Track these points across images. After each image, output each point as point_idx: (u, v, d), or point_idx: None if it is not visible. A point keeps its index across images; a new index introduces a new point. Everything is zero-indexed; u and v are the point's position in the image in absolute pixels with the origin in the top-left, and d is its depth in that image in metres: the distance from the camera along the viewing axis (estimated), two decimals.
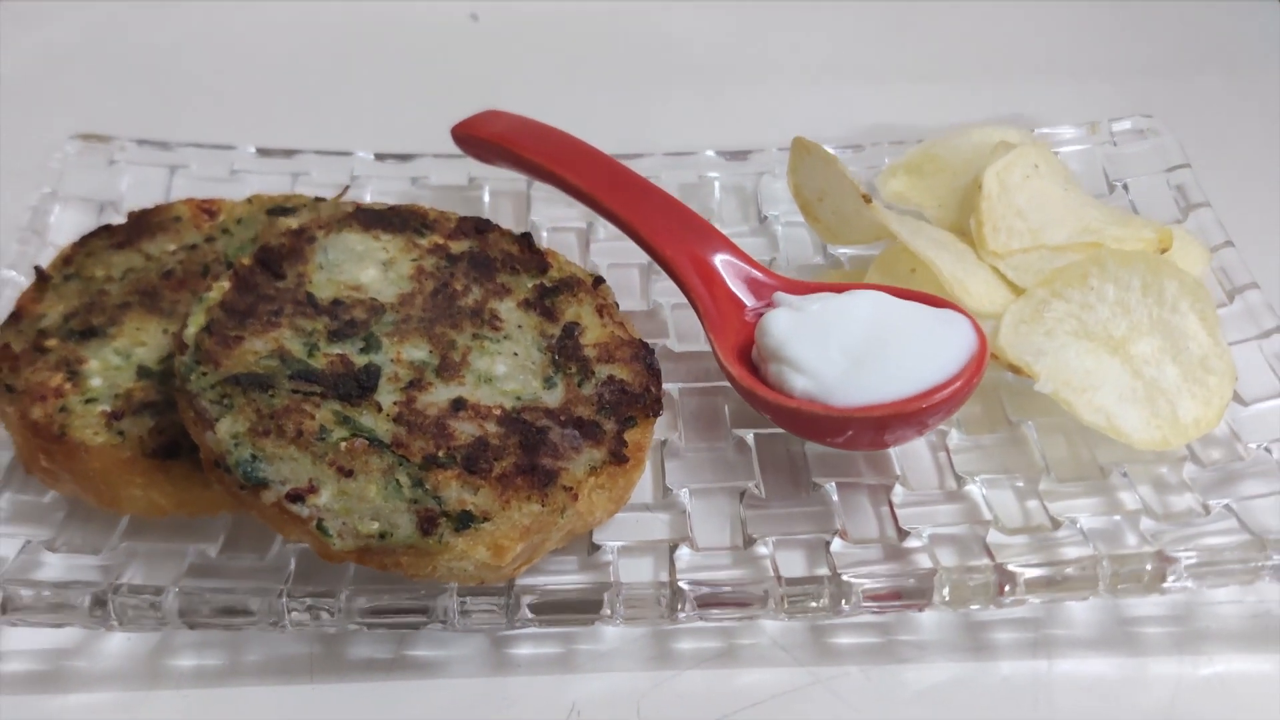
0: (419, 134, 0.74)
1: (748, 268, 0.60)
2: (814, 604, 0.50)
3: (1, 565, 0.52)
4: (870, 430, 0.53)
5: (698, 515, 0.56)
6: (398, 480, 0.49)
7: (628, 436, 0.53)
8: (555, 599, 0.50)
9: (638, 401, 0.54)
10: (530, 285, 0.59)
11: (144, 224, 0.64)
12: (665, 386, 0.58)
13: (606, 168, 0.65)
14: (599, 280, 0.60)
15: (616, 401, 0.54)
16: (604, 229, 0.69)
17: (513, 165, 0.68)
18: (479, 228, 0.61)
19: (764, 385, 0.55)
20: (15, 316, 0.59)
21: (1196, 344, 0.57)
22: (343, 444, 0.49)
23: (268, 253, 0.56)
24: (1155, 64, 0.89)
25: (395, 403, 0.52)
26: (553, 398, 0.54)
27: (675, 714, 0.50)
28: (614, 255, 0.69)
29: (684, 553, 0.54)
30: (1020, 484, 0.57)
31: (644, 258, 0.63)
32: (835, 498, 0.56)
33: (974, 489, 0.57)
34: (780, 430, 0.58)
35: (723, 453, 0.59)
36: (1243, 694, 0.51)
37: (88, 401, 0.54)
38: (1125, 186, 0.71)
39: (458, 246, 0.60)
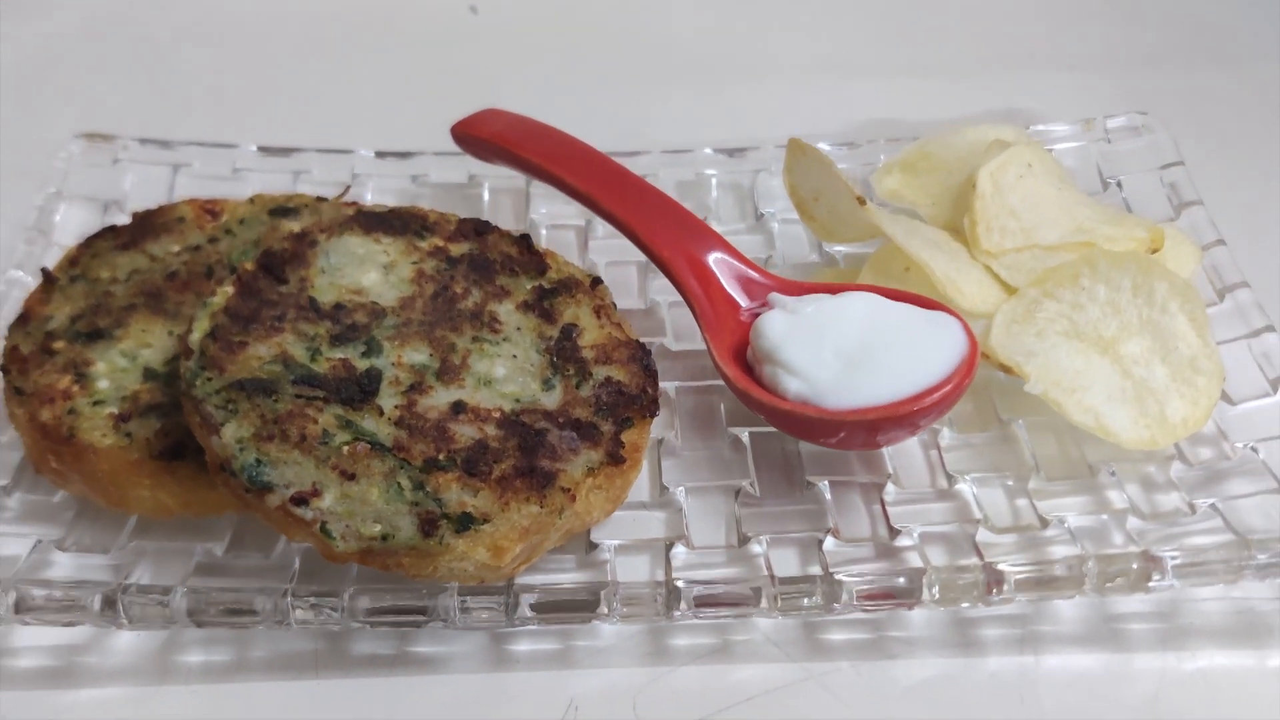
0: (419, 131, 0.75)
1: (743, 268, 0.61)
2: (806, 602, 0.51)
3: (13, 565, 0.54)
4: (863, 432, 0.54)
5: (693, 513, 0.57)
6: (399, 483, 0.50)
7: (625, 437, 0.54)
8: (554, 598, 0.52)
9: (635, 402, 0.55)
10: (529, 287, 0.60)
11: (148, 225, 0.65)
12: (662, 385, 0.59)
13: (604, 168, 0.66)
14: (597, 281, 0.61)
15: (614, 403, 0.55)
16: (603, 226, 0.69)
17: (511, 164, 0.69)
18: (478, 229, 0.62)
19: (758, 387, 0.56)
20: (23, 319, 0.60)
21: (1186, 345, 0.58)
22: (345, 448, 0.50)
23: (270, 257, 0.57)
24: (1151, 57, 0.90)
25: (396, 406, 0.53)
26: (551, 399, 0.55)
27: (671, 709, 0.52)
28: (612, 253, 0.70)
29: (680, 551, 0.55)
30: (1010, 482, 0.58)
31: (642, 255, 0.63)
32: (828, 496, 0.58)
33: (965, 487, 0.58)
34: (775, 429, 0.59)
35: (718, 451, 0.60)
36: (1226, 689, 0.52)
37: (95, 404, 0.55)
38: (1119, 184, 0.72)
39: (457, 249, 0.61)
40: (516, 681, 0.53)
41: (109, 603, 0.50)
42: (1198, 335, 0.58)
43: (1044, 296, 0.60)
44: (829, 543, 0.55)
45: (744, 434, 0.60)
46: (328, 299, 0.57)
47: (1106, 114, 0.75)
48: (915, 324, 0.55)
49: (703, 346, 0.60)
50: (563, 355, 0.57)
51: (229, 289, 0.55)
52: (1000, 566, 0.52)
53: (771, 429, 0.59)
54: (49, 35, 0.91)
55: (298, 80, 0.88)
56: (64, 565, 0.55)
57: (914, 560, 0.55)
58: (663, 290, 0.66)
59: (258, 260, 0.57)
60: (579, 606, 0.52)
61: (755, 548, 0.55)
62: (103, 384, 0.56)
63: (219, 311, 0.54)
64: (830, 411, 0.53)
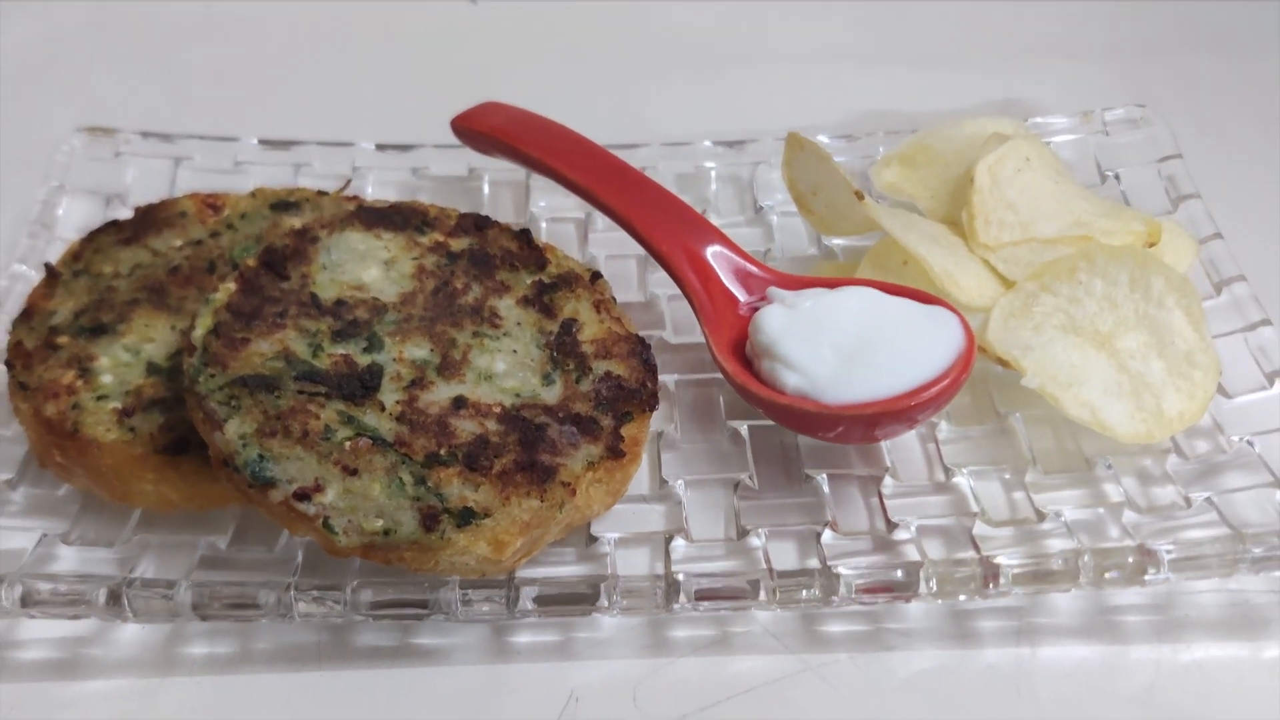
0: (419, 124, 0.75)
1: (742, 262, 0.62)
2: (805, 595, 0.52)
3: (19, 559, 0.54)
4: (861, 426, 0.54)
5: (693, 506, 0.58)
6: (401, 478, 0.50)
7: (624, 431, 0.54)
8: (555, 591, 0.52)
9: (634, 397, 0.56)
10: (529, 282, 0.60)
11: (150, 219, 0.65)
12: (662, 378, 0.59)
13: (603, 162, 0.66)
14: (596, 275, 0.61)
15: (613, 397, 0.55)
16: (602, 219, 0.70)
17: (510, 158, 0.69)
18: (479, 224, 0.62)
19: (757, 381, 0.56)
20: (27, 314, 0.60)
21: (1182, 339, 0.58)
22: (347, 443, 0.51)
23: (272, 254, 0.57)
24: (1150, 47, 0.90)
25: (398, 401, 0.53)
26: (551, 394, 0.55)
27: (670, 700, 0.52)
28: (612, 246, 0.70)
29: (679, 544, 0.56)
30: (1007, 476, 0.59)
31: (642, 248, 0.64)
32: (826, 489, 0.58)
33: (962, 480, 0.58)
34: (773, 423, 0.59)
35: (717, 444, 0.61)
36: (1220, 681, 0.53)
37: (99, 398, 0.56)
38: (1117, 177, 0.72)
39: (458, 244, 0.61)
40: (517, 673, 0.53)
41: (114, 597, 0.51)
42: (1194, 330, 0.59)
43: (1041, 290, 0.60)
44: (827, 536, 0.56)
45: (743, 427, 0.61)
46: (329, 295, 0.57)
47: (1105, 106, 0.75)
48: (913, 319, 0.56)
49: (702, 339, 0.60)
50: (563, 350, 0.57)
51: (231, 285, 0.56)
52: (997, 560, 0.52)
53: (770, 422, 0.60)
54: (50, 29, 0.91)
55: (298, 73, 0.88)
56: (69, 559, 0.55)
57: (911, 553, 0.55)
58: (662, 283, 0.66)
59: (259, 257, 0.57)
60: (579, 599, 0.52)
61: (754, 540, 0.56)
62: (106, 379, 0.57)
63: (221, 308, 0.55)
64: (828, 406, 0.53)
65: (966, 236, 0.64)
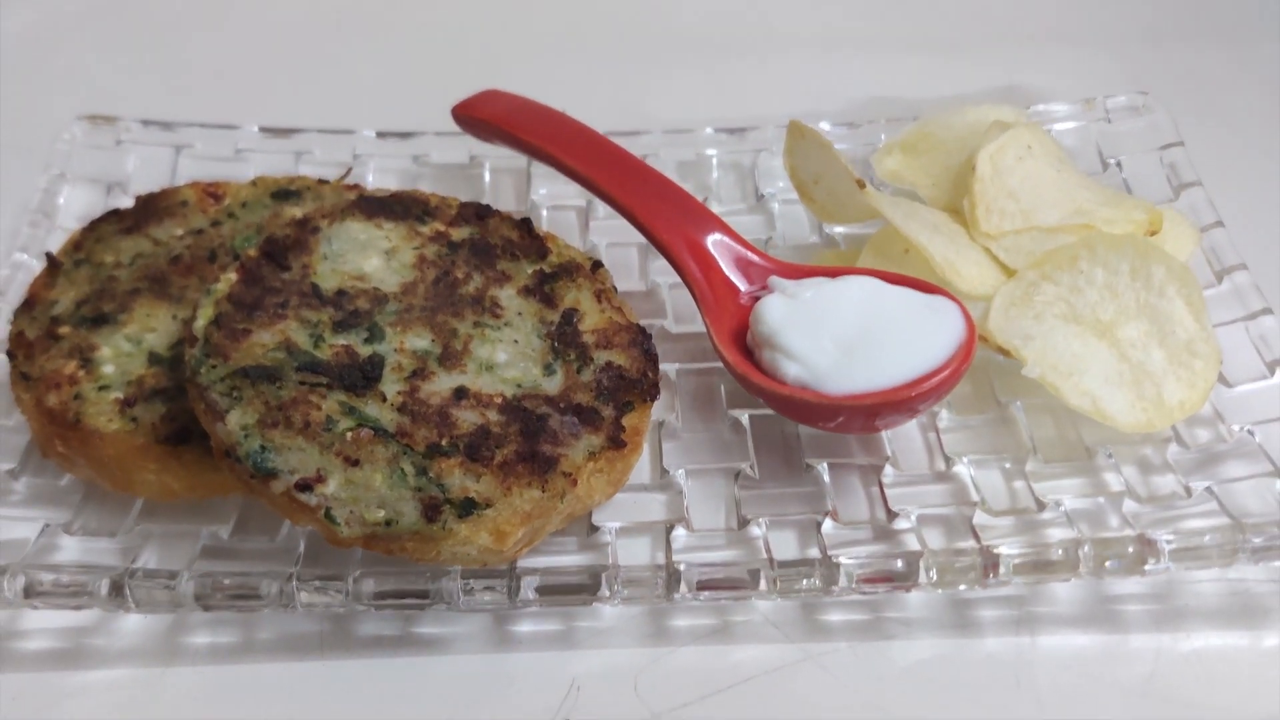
0: (420, 110, 0.75)
1: (743, 250, 0.62)
2: (805, 584, 0.52)
3: (21, 548, 0.54)
4: (861, 417, 0.55)
5: (694, 496, 0.58)
6: (402, 469, 0.50)
7: (625, 421, 0.54)
8: (556, 581, 0.52)
9: (635, 387, 0.56)
10: (530, 271, 0.60)
11: (151, 208, 0.65)
12: (663, 367, 0.59)
13: (603, 150, 0.66)
14: (597, 264, 0.61)
15: (614, 387, 0.55)
16: (603, 207, 0.69)
17: (511, 146, 0.69)
18: (479, 213, 0.62)
19: (758, 371, 0.56)
20: (28, 303, 0.60)
21: (1183, 328, 0.58)
22: (349, 434, 0.51)
23: (273, 244, 0.57)
24: (1152, 32, 0.90)
25: (399, 392, 0.53)
26: (552, 384, 0.55)
27: (671, 689, 0.52)
28: (613, 234, 0.70)
29: (680, 533, 0.56)
30: (1008, 465, 0.59)
31: (643, 237, 0.64)
32: (827, 478, 0.58)
33: (962, 469, 0.58)
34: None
35: (718, 433, 0.61)
36: (1220, 670, 0.53)
37: (101, 389, 0.56)
38: (1119, 164, 0.72)
39: (458, 233, 0.61)
40: (519, 662, 0.54)
41: (116, 588, 0.51)
42: (1195, 319, 0.58)
43: (1042, 279, 0.60)
44: (827, 525, 0.56)
45: (744, 416, 0.61)
46: (330, 285, 0.57)
47: (1107, 93, 0.75)
48: (913, 309, 0.56)
49: (703, 328, 0.60)
50: (564, 340, 0.57)
51: (232, 276, 0.56)
52: (997, 550, 0.52)
53: (771, 411, 0.60)
54: (50, 16, 0.91)
55: (299, 60, 0.88)
56: (71, 548, 0.56)
57: (911, 542, 0.55)
58: (663, 271, 0.66)
59: (260, 247, 0.57)
60: (581, 589, 0.52)
61: (754, 530, 0.56)
62: (108, 369, 0.57)
63: (223, 299, 0.55)
64: (829, 397, 0.54)
65: (968, 225, 0.64)
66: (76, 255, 0.63)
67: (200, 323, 0.54)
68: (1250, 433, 0.58)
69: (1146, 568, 0.52)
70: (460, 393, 0.54)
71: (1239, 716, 0.52)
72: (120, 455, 0.54)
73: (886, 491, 0.57)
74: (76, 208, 0.71)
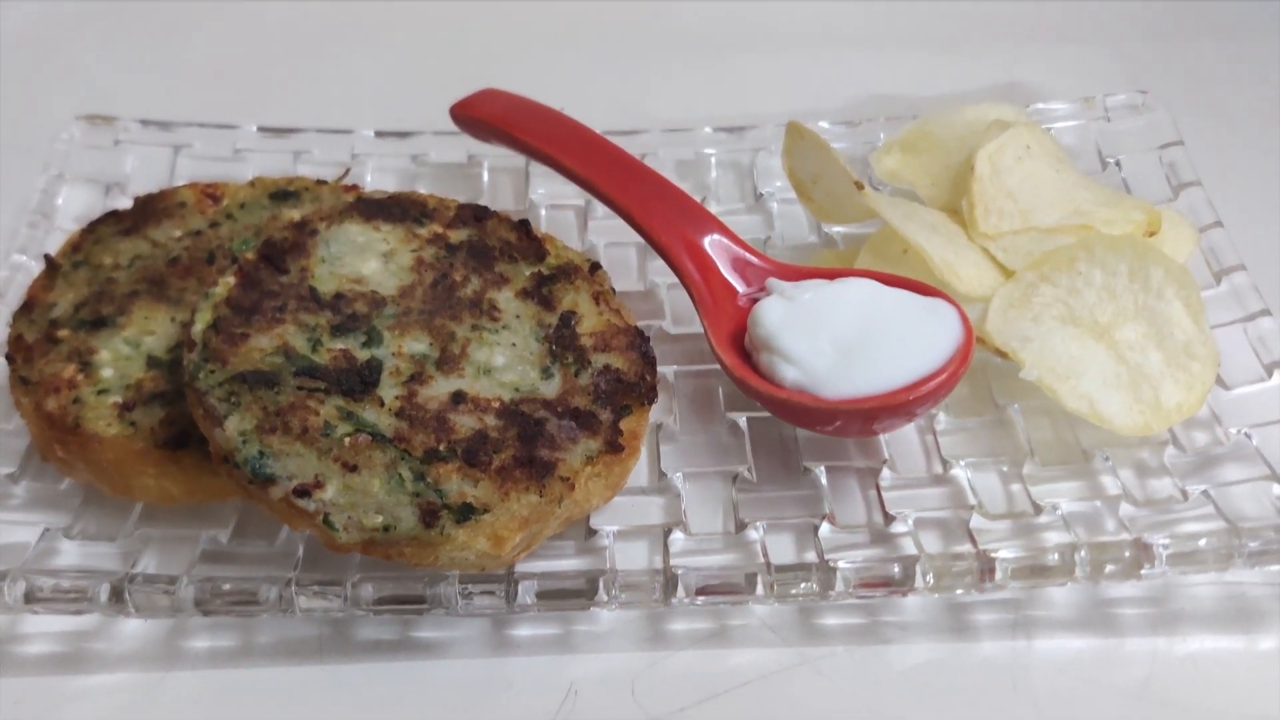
0: (419, 110, 0.74)
1: (741, 252, 0.62)
2: (801, 588, 0.52)
3: (21, 553, 0.55)
4: (859, 420, 0.55)
5: (691, 499, 0.58)
6: (400, 474, 0.51)
7: (623, 425, 0.54)
8: (554, 586, 0.52)
9: (633, 390, 0.56)
10: (528, 273, 0.60)
11: (150, 210, 0.65)
12: (661, 369, 0.59)
13: (601, 151, 0.66)
14: (595, 266, 0.61)
15: (612, 391, 0.55)
16: (602, 206, 0.69)
17: (509, 146, 0.69)
18: (477, 215, 0.62)
19: (756, 374, 0.56)
20: (27, 306, 0.60)
21: (1181, 330, 0.58)
22: (347, 439, 0.51)
23: (271, 247, 0.57)
24: (1153, 29, 0.89)
25: (397, 397, 0.53)
26: (550, 388, 0.55)
27: (669, 693, 0.53)
28: (612, 234, 0.70)
29: (678, 537, 0.56)
30: (1005, 468, 0.59)
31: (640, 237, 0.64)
32: (824, 481, 0.58)
33: (960, 472, 0.58)
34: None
35: (716, 436, 0.61)
36: (1216, 673, 0.53)
37: (100, 393, 0.56)
38: (1118, 164, 0.72)
39: (456, 235, 0.61)
40: (517, 665, 0.54)
41: (116, 593, 0.51)
42: (1193, 321, 0.58)
43: (1040, 281, 0.60)
44: (825, 529, 0.56)
45: (741, 419, 0.61)
46: (328, 288, 0.57)
47: (1106, 92, 0.74)
48: (911, 312, 0.56)
49: (701, 329, 0.60)
50: (561, 343, 0.57)
51: (230, 280, 0.56)
52: (993, 554, 0.52)
53: (769, 414, 0.60)
54: (48, 15, 0.91)
55: (297, 60, 0.88)
56: (71, 553, 0.56)
57: (908, 546, 0.55)
58: (662, 272, 0.66)
59: (258, 250, 0.57)
60: (578, 594, 0.52)
61: (752, 534, 0.56)
62: (107, 372, 0.57)
63: (221, 303, 0.55)
64: (826, 401, 0.54)
65: (967, 225, 0.64)
66: (75, 257, 0.63)
67: (198, 327, 0.54)
68: (1247, 435, 0.58)
69: (1142, 573, 0.52)
70: (458, 397, 0.54)
71: (1235, 719, 0.52)
72: (119, 460, 0.54)
73: (884, 495, 0.58)
74: (75, 208, 0.71)
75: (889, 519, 0.56)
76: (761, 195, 0.73)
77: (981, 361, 0.61)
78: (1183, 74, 0.83)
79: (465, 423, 0.53)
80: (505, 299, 0.59)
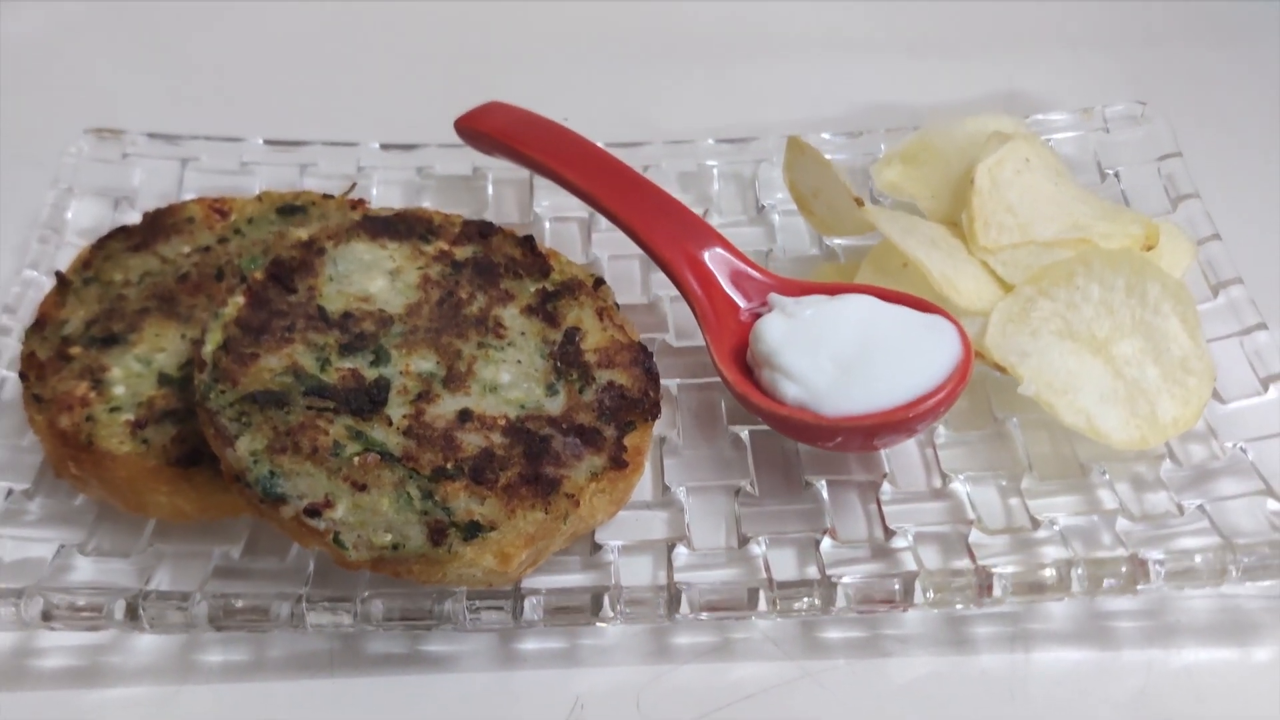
0: (424, 123, 0.75)
1: (743, 266, 0.62)
2: (804, 603, 0.53)
3: (37, 569, 0.56)
4: (859, 437, 0.55)
5: (694, 513, 0.59)
6: (409, 493, 0.52)
7: (627, 441, 0.55)
8: (559, 602, 0.53)
9: (637, 406, 0.57)
10: (532, 290, 0.61)
11: (158, 225, 0.66)
12: (664, 382, 0.60)
13: (604, 165, 0.66)
14: (599, 281, 0.62)
15: (616, 407, 0.56)
16: (605, 220, 0.70)
17: (513, 159, 0.70)
18: (483, 231, 0.63)
19: (757, 391, 0.57)
20: (39, 323, 0.61)
21: (1177, 346, 0.59)
22: (356, 459, 0.52)
23: (279, 266, 0.58)
24: (1152, 38, 0.89)
25: (405, 416, 0.54)
26: (555, 405, 0.56)
27: (673, 706, 0.53)
28: (615, 246, 0.70)
29: (681, 551, 0.57)
30: (1004, 482, 0.60)
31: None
32: (825, 495, 0.59)
33: (959, 486, 0.59)
34: None
35: (719, 450, 0.62)
36: (1211, 684, 0.54)
37: (112, 410, 0.57)
38: (1117, 175, 0.72)
39: (462, 252, 0.62)
40: (524, 679, 0.55)
41: (131, 611, 0.52)
42: (1189, 336, 0.59)
43: (1039, 295, 0.61)
44: (826, 543, 0.57)
45: (744, 433, 0.62)
46: (336, 307, 0.58)
47: (1105, 103, 0.75)
48: (911, 329, 0.56)
49: (704, 343, 0.61)
50: (566, 360, 0.58)
51: (239, 299, 0.57)
52: (992, 570, 0.53)
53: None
54: (54, 27, 0.91)
55: (303, 73, 0.88)
56: (86, 569, 0.57)
57: (908, 561, 0.56)
58: (665, 285, 0.66)
59: (267, 269, 0.58)
60: (584, 609, 0.53)
61: (754, 548, 0.57)
62: (119, 390, 0.58)
63: (230, 323, 0.56)
64: (827, 418, 0.54)
65: (966, 238, 0.64)
66: (85, 273, 0.63)
67: (208, 348, 0.55)
68: (1243, 450, 0.59)
69: (1138, 588, 0.53)
70: (464, 415, 0.55)
71: None
72: (132, 477, 0.55)
73: (884, 508, 0.58)
74: (84, 221, 0.71)
75: (889, 534, 0.57)
76: (764, 207, 0.74)
77: (981, 376, 0.62)
78: (1183, 80, 0.84)
79: (472, 441, 0.54)
80: (510, 316, 0.60)
